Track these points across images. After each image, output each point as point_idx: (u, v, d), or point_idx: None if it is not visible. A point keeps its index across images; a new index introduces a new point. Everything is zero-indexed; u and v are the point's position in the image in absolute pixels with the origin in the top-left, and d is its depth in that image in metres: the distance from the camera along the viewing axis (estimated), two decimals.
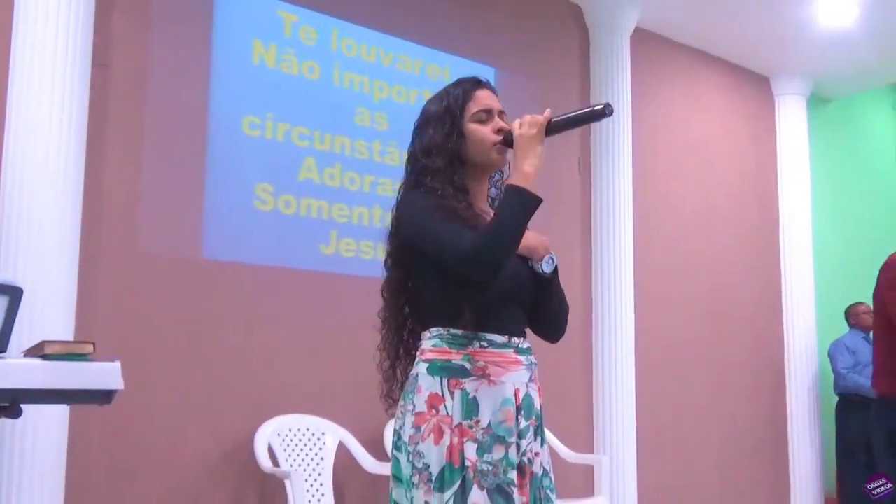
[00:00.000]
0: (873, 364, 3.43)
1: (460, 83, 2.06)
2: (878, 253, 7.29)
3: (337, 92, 4.55)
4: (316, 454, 4.05)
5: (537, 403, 1.97)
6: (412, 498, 1.83)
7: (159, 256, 3.89)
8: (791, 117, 6.70)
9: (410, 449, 1.85)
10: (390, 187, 4.65)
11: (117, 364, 2.48)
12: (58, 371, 2.35)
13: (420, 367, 1.92)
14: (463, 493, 1.80)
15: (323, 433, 4.12)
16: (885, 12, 5.69)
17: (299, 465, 3.95)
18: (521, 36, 5.36)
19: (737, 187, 6.46)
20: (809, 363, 6.51)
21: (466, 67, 5.05)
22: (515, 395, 1.90)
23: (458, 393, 1.86)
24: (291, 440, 4.01)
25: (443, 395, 1.86)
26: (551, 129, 1.92)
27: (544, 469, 1.96)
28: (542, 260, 1.99)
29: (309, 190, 4.37)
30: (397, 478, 1.91)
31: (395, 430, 1.93)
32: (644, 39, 5.86)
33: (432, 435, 1.83)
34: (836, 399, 6.25)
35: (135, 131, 3.90)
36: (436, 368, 1.89)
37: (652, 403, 5.53)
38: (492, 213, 2.00)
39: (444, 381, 1.87)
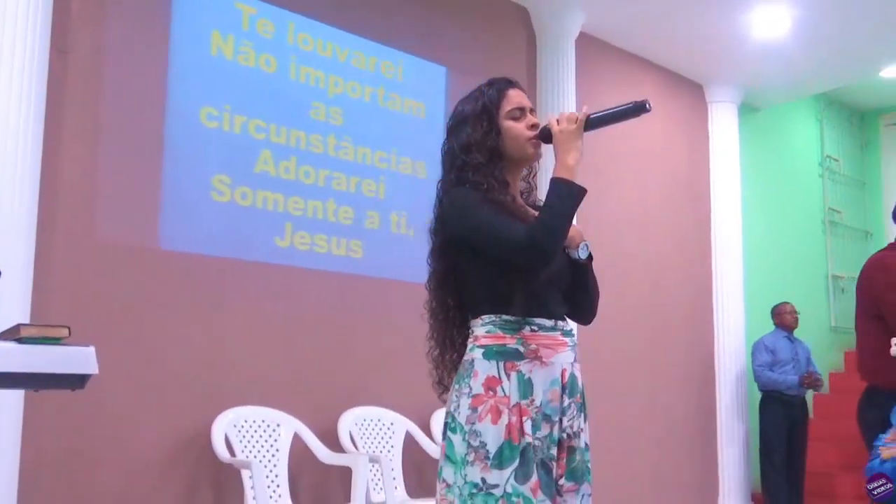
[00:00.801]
0: (858, 357, 3.53)
1: (493, 83, 2.14)
2: (801, 255, 7.72)
3: (293, 86, 4.56)
4: (271, 446, 4.06)
5: (580, 382, 2.09)
6: (465, 475, 1.91)
7: (116, 245, 3.85)
8: (723, 124, 6.96)
9: (467, 429, 1.93)
10: (345, 182, 4.69)
11: (91, 349, 2.47)
12: (33, 355, 2.33)
13: (475, 353, 1.99)
14: (523, 467, 1.90)
15: (278, 425, 4.13)
16: (814, 26, 5.96)
17: (255, 457, 3.95)
18: (471, 37, 5.45)
19: (672, 190, 6.68)
20: (737, 361, 6.76)
21: (419, 66, 5.13)
22: (562, 374, 2.01)
23: (514, 375, 1.95)
24: (247, 431, 4.01)
25: (500, 377, 1.95)
26: (589, 124, 2.03)
27: (586, 443, 2.09)
28: (578, 247, 2.11)
29: (265, 182, 4.37)
30: (450, 458, 1.96)
31: (447, 413, 2.00)
32: (588, 44, 6.02)
33: (490, 415, 1.92)
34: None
35: (93, 118, 3.85)
36: (491, 353, 1.97)
37: (590, 400, 5.66)
38: (526, 206, 2.12)
39: (501, 364, 1.96)
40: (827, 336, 7.94)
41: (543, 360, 1.97)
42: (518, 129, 2.08)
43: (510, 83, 2.15)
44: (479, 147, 2.05)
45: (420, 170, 5.03)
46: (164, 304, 3.96)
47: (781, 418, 6.30)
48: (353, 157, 4.75)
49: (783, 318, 6.63)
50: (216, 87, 4.26)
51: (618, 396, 5.97)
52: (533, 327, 1.98)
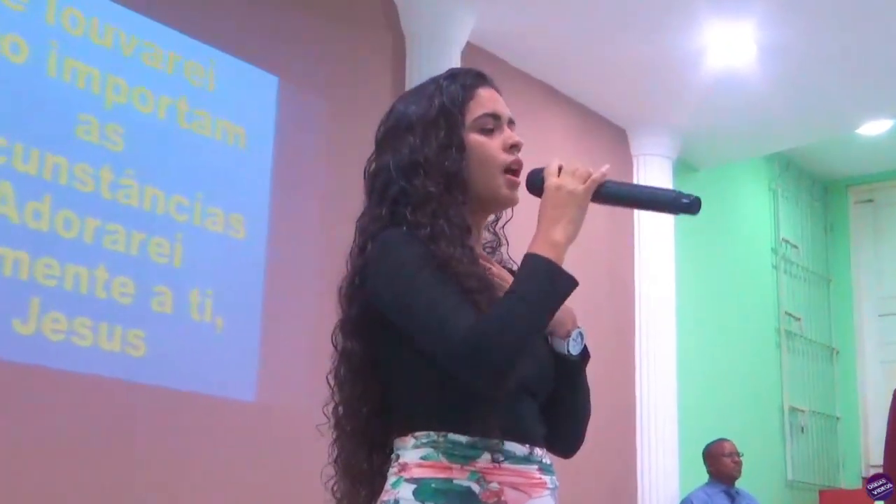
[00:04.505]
0: None
1: (457, 75, 2.06)
2: (748, 379, 7.96)
3: (52, 87, 4.41)
4: None
5: None
6: None
7: None
8: (652, 184, 7.20)
9: None
10: (123, 239, 4.53)
11: None
12: None
13: (402, 491, 1.87)
14: None
15: None
16: (783, 54, 6.31)
17: None
18: (314, 39, 5.45)
19: (585, 278, 6.76)
20: None
21: (240, 72, 5.09)
22: None
23: None
24: None
25: None
26: (602, 193, 1.96)
27: None
28: (567, 336, 2.02)
29: (0, 232, 4.15)
30: None
31: None
32: (477, 59, 6.12)
33: None
34: None
35: None
36: (428, 492, 1.84)
37: None
38: (499, 271, 2.02)
39: None
40: (781, 493, 8.22)
41: None
42: (489, 148, 2.01)
43: (481, 78, 2.08)
44: (430, 169, 1.96)
45: (236, 226, 4.93)
46: None
47: None
48: (138, 201, 4.61)
49: (720, 463, 6.76)
50: None
51: None
52: (497, 455, 1.87)
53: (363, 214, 2.02)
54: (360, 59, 5.70)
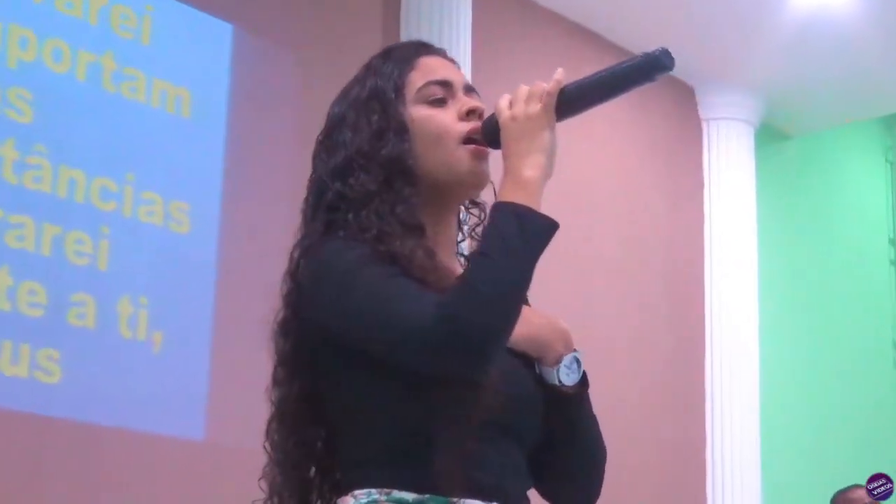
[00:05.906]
0: None
1: (392, 50, 2.16)
2: (858, 411, 7.85)
3: None
4: None
5: None
6: None
7: None
8: (729, 159, 7.21)
9: None
10: (31, 234, 4.56)
11: None
12: None
13: None
14: None
15: None
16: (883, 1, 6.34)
17: None
18: None
19: (640, 277, 6.79)
20: None
21: (183, 19, 5.10)
22: None
23: None
24: None
25: None
26: (566, 103, 2.00)
27: None
28: (558, 363, 2.06)
29: None
30: None
31: None
32: None
33: None
34: None
35: None
36: None
37: None
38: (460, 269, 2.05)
39: None
40: None
41: None
42: (438, 119, 2.07)
43: (424, 47, 2.17)
44: (365, 162, 2.03)
45: (178, 216, 4.99)
46: None
47: None
48: (51, 186, 4.67)
49: None
50: None
51: None
52: None
53: (298, 238, 2.08)
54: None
